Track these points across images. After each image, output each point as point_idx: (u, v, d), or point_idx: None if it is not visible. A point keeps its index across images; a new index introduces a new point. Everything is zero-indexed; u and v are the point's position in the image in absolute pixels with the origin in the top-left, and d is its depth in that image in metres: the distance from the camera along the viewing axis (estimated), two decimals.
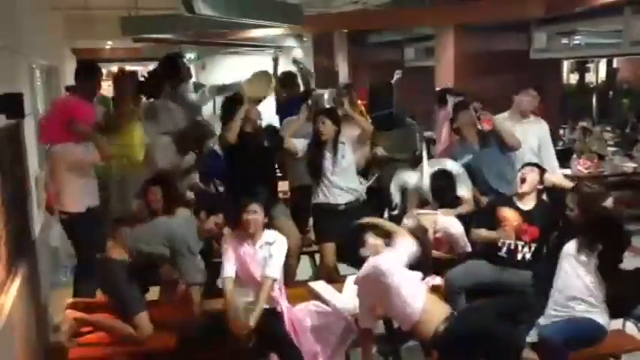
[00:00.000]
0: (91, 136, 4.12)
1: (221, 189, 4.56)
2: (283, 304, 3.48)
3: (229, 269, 3.41)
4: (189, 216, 3.68)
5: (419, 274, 3.30)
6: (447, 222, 4.04)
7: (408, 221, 4.16)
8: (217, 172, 4.81)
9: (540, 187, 3.89)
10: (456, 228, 4.04)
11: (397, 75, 5.93)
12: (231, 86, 5.33)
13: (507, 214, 3.80)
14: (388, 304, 3.22)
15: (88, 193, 4.21)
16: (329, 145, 4.30)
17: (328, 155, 4.30)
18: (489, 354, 3.05)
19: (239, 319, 3.24)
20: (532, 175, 3.87)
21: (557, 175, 4.63)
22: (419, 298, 3.15)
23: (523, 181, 3.86)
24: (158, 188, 3.74)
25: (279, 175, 5.19)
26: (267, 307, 3.41)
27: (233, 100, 4.57)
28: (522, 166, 4.03)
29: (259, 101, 4.82)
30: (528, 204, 3.84)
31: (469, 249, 3.99)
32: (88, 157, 4.14)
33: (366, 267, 3.24)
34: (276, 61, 7.49)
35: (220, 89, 5.50)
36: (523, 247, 3.75)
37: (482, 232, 3.88)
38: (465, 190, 4.26)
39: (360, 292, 3.35)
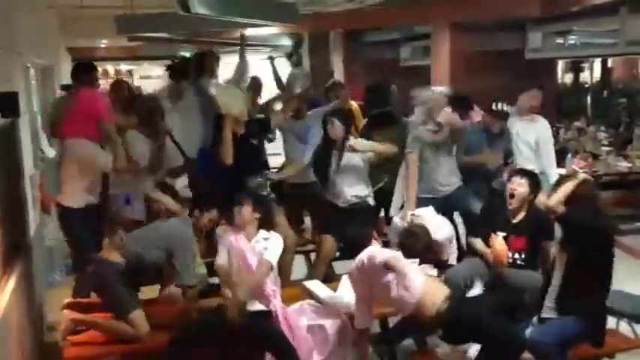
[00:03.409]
0: (115, 140, 4.09)
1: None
2: (277, 304, 3.48)
3: (223, 257, 3.45)
4: (187, 217, 3.68)
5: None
6: (434, 227, 4.01)
7: (400, 221, 4.17)
8: (206, 169, 4.81)
9: (530, 197, 3.81)
10: (442, 233, 4.01)
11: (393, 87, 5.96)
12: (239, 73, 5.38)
13: (495, 244, 3.70)
14: (388, 291, 3.20)
15: (90, 190, 4.20)
16: (337, 146, 4.33)
17: (334, 157, 4.34)
18: (490, 341, 3.07)
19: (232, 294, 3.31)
20: (520, 190, 3.78)
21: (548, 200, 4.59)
22: (418, 281, 3.16)
23: (512, 196, 3.79)
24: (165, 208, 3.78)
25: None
26: (261, 308, 3.42)
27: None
28: (511, 176, 3.92)
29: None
30: (518, 216, 3.82)
31: (452, 261, 3.98)
32: (100, 162, 4.11)
33: (362, 257, 3.25)
34: (272, 60, 7.33)
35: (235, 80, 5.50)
36: (513, 254, 3.75)
37: (478, 244, 3.86)
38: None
39: (357, 285, 3.35)
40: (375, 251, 3.24)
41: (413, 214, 4.16)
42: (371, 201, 4.51)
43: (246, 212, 3.50)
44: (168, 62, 5.71)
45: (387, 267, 3.14)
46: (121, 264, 3.48)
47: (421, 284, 3.14)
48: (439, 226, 4.04)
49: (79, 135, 4.11)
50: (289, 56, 8.81)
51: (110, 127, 4.11)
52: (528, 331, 3.34)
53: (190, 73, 5.13)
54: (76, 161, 4.07)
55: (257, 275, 3.38)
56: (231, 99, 4.47)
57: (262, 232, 3.55)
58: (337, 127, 4.32)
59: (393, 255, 3.21)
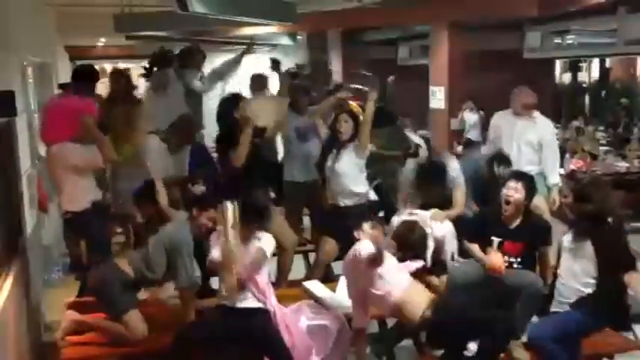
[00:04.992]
0: (96, 134, 4.06)
1: (202, 188, 4.50)
2: (274, 304, 3.45)
3: (216, 253, 3.40)
4: (184, 219, 3.65)
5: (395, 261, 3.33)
6: (434, 224, 3.99)
7: (397, 220, 4.14)
8: (205, 165, 4.80)
9: (526, 202, 3.75)
10: (440, 231, 3.99)
11: (390, 79, 5.93)
12: (226, 67, 5.34)
13: (492, 259, 3.65)
14: (370, 287, 3.22)
15: (89, 190, 4.17)
16: (341, 144, 4.33)
17: (331, 156, 4.33)
18: (477, 337, 3.08)
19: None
20: (516, 196, 3.71)
21: (542, 204, 4.54)
22: (401, 282, 3.17)
23: (507, 202, 3.73)
24: (149, 201, 3.85)
25: None
26: (258, 306, 3.39)
27: (231, 99, 4.53)
28: (507, 180, 3.83)
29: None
30: (514, 222, 3.76)
31: (450, 258, 3.97)
32: (90, 161, 4.09)
33: (350, 251, 3.28)
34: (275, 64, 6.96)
35: (217, 73, 5.47)
36: (509, 258, 3.72)
37: (475, 250, 3.81)
38: (459, 192, 4.26)
39: (348, 282, 3.37)
40: (360, 246, 3.23)
41: (410, 212, 4.14)
42: (372, 195, 4.49)
43: (245, 226, 3.46)
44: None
45: (370, 262, 3.15)
46: (129, 274, 3.48)
47: (403, 287, 3.16)
48: (437, 225, 4.03)
49: (59, 137, 4.07)
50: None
51: (91, 122, 4.06)
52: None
53: (173, 62, 5.16)
54: (66, 166, 4.04)
55: (251, 258, 3.35)
56: (262, 110, 4.49)
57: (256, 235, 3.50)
58: (349, 127, 4.32)
59: (377, 251, 3.20)
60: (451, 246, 4.08)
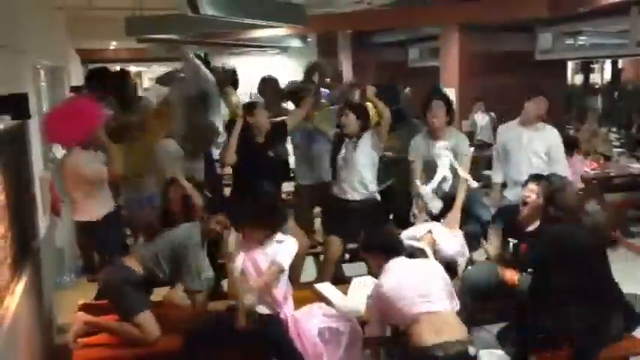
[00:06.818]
0: (107, 145, 4.06)
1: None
2: (288, 312, 3.43)
3: (239, 260, 3.37)
4: (196, 223, 3.65)
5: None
6: (443, 242, 3.94)
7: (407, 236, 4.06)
8: (211, 174, 4.79)
9: (541, 201, 3.70)
10: (453, 248, 3.95)
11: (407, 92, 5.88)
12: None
13: (506, 276, 3.64)
14: (387, 313, 3.15)
15: (101, 201, 4.17)
16: (349, 140, 4.33)
17: (344, 149, 4.33)
18: None
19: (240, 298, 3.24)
20: (534, 197, 3.69)
21: None
22: (413, 308, 3.00)
23: (525, 203, 3.72)
24: (181, 198, 3.81)
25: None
26: (269, 312, 3.38)
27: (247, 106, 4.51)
28: (525, 183, 3.84)
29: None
30: (531, 225, 3.74)
31: (463, 269, 3.94)
32: (98, 173, 4.08)
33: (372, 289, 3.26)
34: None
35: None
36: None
37: (491, 251, 3.82)
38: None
39: (374, 307, 3.29)
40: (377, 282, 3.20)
41: (419, 237, 4.01)
42: (377, 196, 4.48)
43: (257, 232, 3.44)
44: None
45: None
46: (139, 273, 3.48)
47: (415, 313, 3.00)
48: (449, 242, 3.97)
49: (61, 137, 4.07)
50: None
51: (102, 133, 4.05)
52: None
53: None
54: (76, 176, 4.03)
55: (266, 277, 3.33)
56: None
57: (276, 236, 3.46)
58: (351, 121, 4.31)
59: None
60: (462, 258, 4.04)
